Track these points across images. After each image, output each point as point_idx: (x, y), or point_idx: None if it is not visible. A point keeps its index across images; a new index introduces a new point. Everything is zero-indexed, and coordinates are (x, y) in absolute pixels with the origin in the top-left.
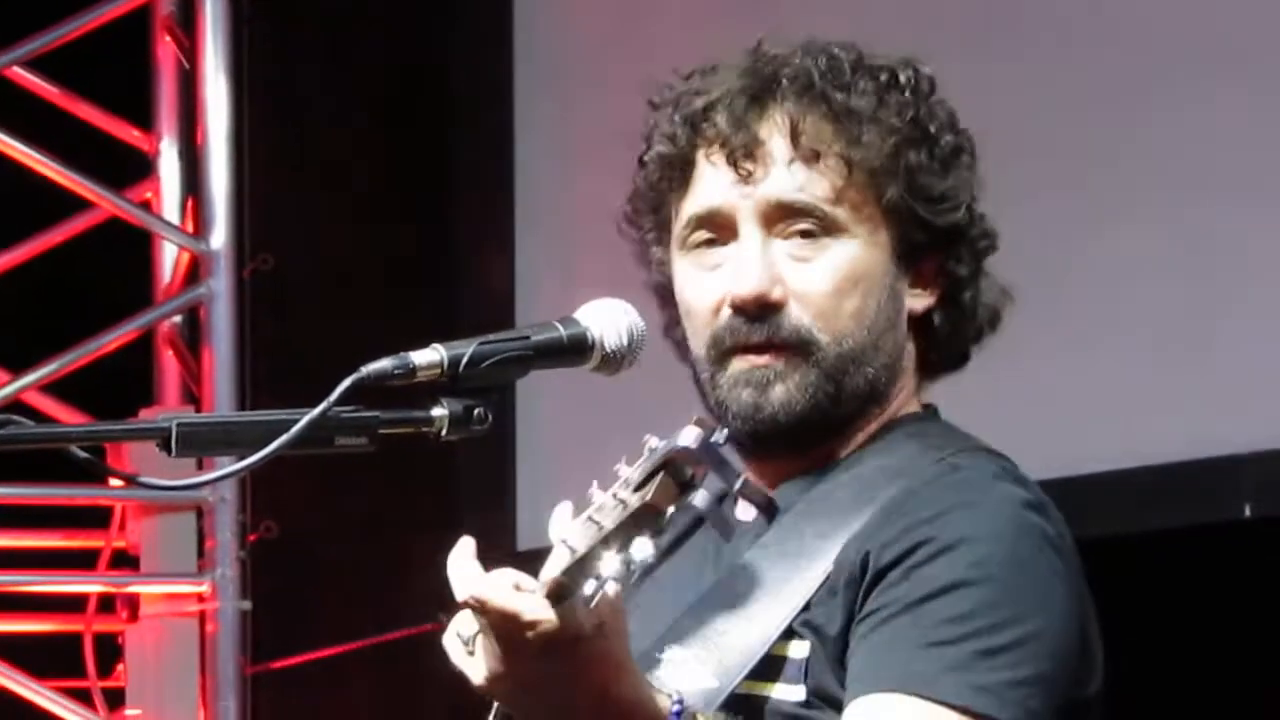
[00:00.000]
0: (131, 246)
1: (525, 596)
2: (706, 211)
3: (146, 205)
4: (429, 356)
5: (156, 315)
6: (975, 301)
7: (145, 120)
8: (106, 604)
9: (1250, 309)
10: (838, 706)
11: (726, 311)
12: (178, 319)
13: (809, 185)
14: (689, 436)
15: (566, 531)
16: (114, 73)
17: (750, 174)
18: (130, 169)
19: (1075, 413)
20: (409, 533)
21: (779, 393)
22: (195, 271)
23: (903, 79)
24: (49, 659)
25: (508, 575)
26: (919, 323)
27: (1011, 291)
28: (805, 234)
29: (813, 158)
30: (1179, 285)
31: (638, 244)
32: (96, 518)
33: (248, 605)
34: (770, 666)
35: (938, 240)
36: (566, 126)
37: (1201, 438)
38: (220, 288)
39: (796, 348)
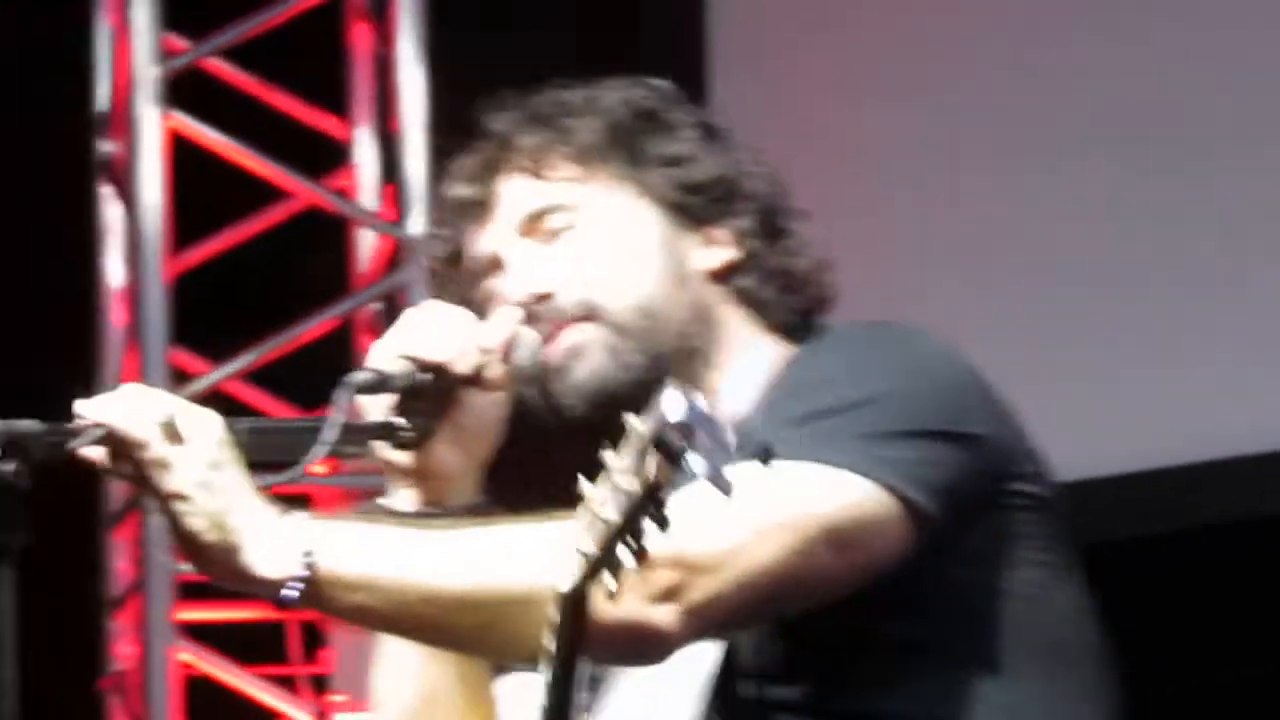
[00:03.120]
0: (329, 235)
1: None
2: (480, 263)
3: (344, 193)
4: (401, 367)
5: (356, 303)
6: (773, 251)
7: (341, 108)
8: None
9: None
10: None
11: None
12: (377, 306)
13: (544, 191)
14: (675, 409)
15: (576, 538)
16: (309, 61)
17: (493, 215)
18: (327, 157)
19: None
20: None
21: (583, 367)
22: (394, 258)
23: (614, 88)
24: (255, 647)
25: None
26: (728, 282)
27: (829, 260)
28: (558, 229)
29: (538, 163)
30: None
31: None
32: (300, 505)
33: None
34: None
35: (704, 199)
36: (766, 117)
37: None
38: (419, 274)
39: (582, 319)
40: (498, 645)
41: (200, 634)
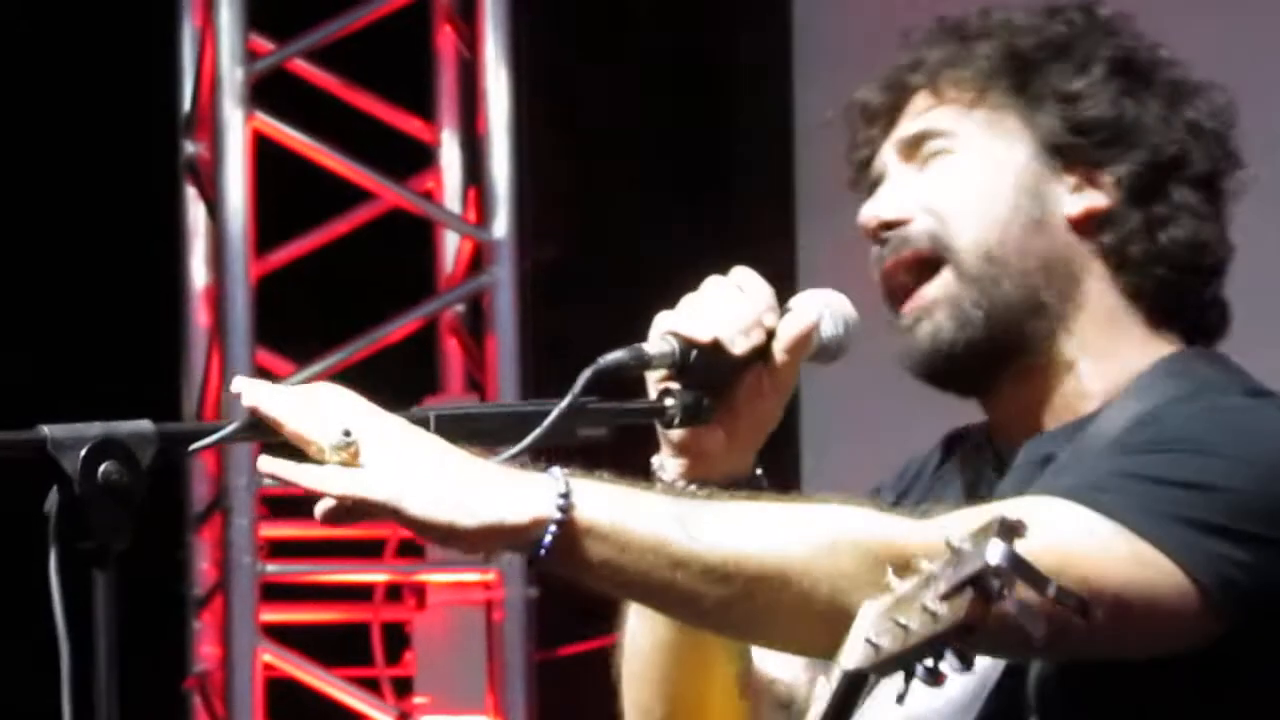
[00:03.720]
0: (414, 237)
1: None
2: (865, 170)
3: (429, 195)
4: (661, 347)
5: (440, 304)
6: (1146, 211)
7: (426, 111)
8: (394, 593)
9: None
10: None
11: (874, 248)
12: (461, 308)
13: (928, 108)
14: (996, 554)
15: (871, 626)
16: (395, 64)
17: (890, 126)
18: (412, 159)
19: None
20: None
21: (925, 328)
22: (478, 261)
23: (1066, 13)
24: (338, 648)
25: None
26: (1089, 232)
27: (1225, 228)
28: (933, 155)
29: (935, 81)
30: None
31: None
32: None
33: (535, 592)
34: None
35: (1089, 140)
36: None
37: None
38: (504, 276)
39: (928, 259)
40: (742, 623)
41: (283, 635)
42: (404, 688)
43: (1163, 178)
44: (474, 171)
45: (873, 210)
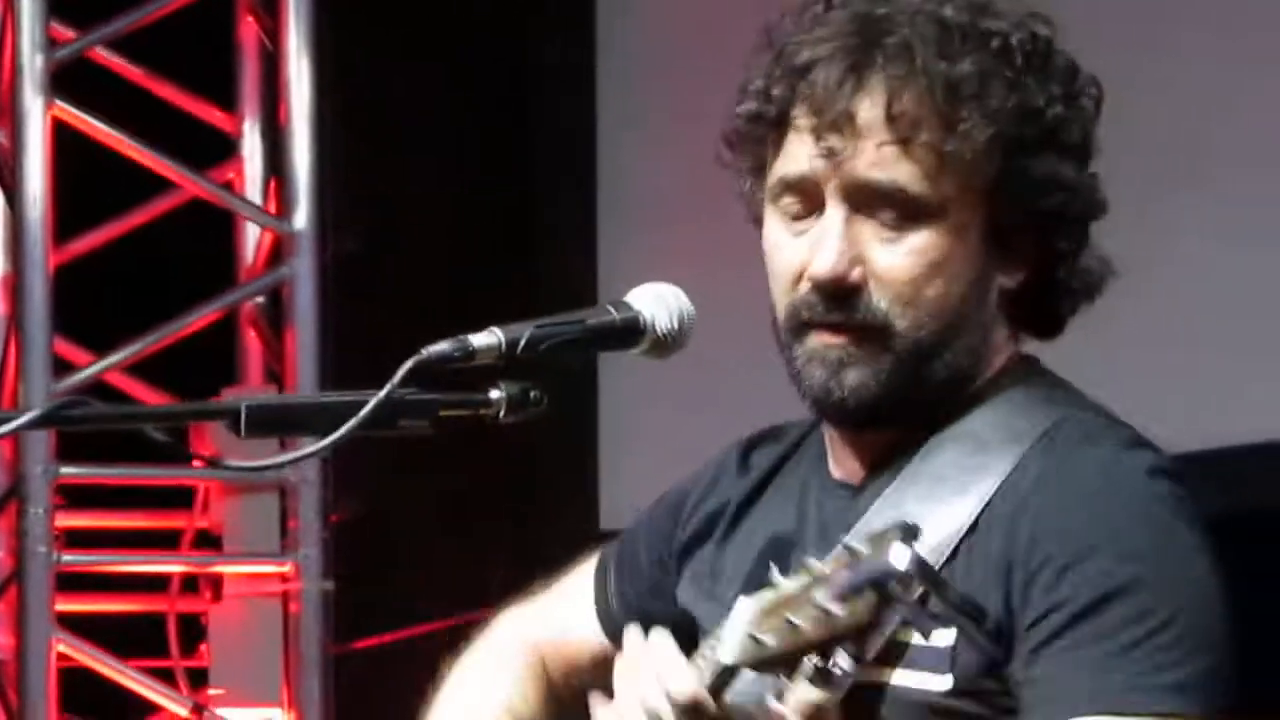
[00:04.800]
0: (214, 228)
1: None
2: (794, 179)
3: (229, 186)
4: (487, 340)
5: (239, 296)
6: (1071, 275)
7: (228, 101)
8: (190, 584)
9: None
10: (986, 701)
11: (806, 285)
12: (260, 300)
13: (898, 168)
14: (900, 559)
15: (749, 615)
16: (197, 54)
17: (837, 150)
18: (213, 150)
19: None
20: (491, 512)
21: (852, 377)
22: (278, 252)
23: (1014, 42)
24: (133, 639)
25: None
26: (1012, 294)
27: (1111, 262)
28: (892, 217)
29: (906, 139)
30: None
31: (735, 175)
32: (180, 498)
33: (331, 585)
34: (905, 654)
35: (1038, 219)
36: (649, 109)
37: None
38: (303, 268)
39: (873, 331)
40: None
41: (78, 625)
42: (199, 679)
43: (1082, 239)
44: (275, 163)
45: (831, 269)
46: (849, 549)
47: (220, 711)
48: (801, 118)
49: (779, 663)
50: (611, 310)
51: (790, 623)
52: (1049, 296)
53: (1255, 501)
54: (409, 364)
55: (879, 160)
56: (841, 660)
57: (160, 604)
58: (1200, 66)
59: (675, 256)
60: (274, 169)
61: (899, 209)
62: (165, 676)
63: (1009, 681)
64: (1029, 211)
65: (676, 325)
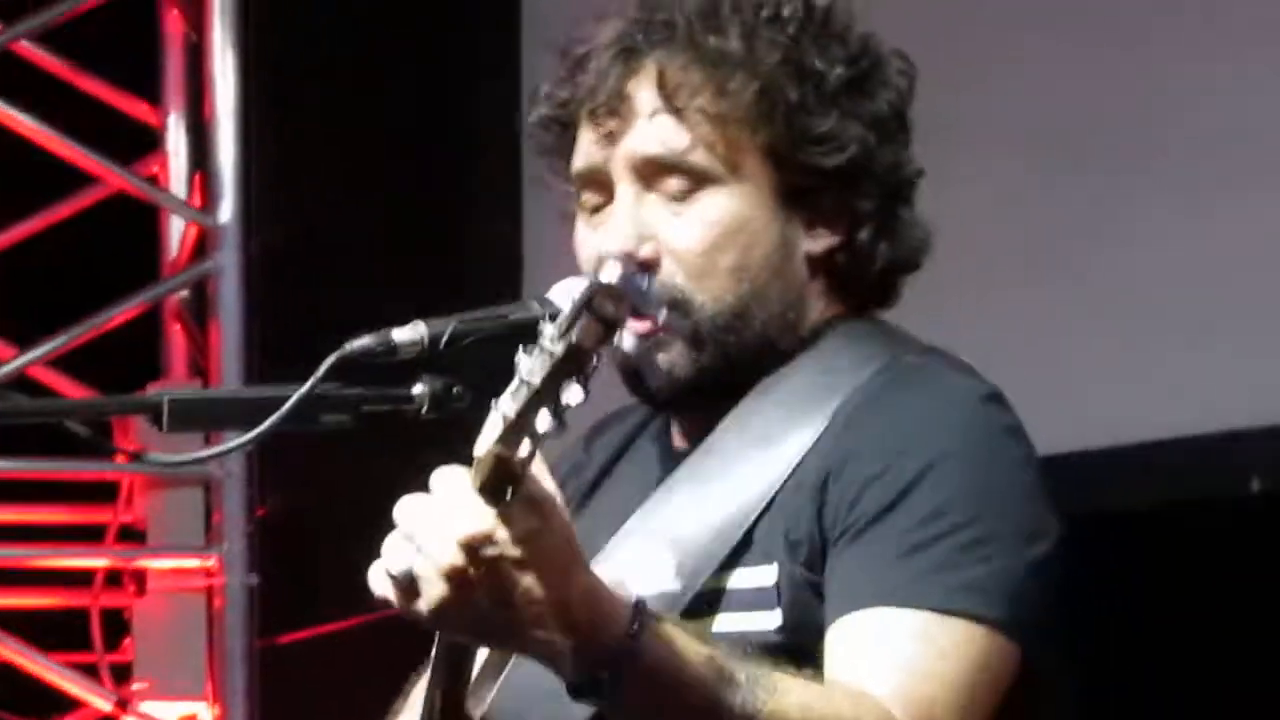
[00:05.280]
0: (139, 221)
1: (451, 512)
2: (584, 171)
3: (154, 179)
4: (410, 334)
5: (164, 289)
6: (879, 239)
7: (153, 94)
8: (114, 579)
9: (1258, 280)
10: (818, 632)
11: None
12: (185, 294)
13: (675, 138)
14: (611, 272)
15: (499, 400)
16: (121, 47)
17: (613, 131)
18: (138, 143)
19: (1082, 387)
20: None
21: (662, 360)
22: (203, 246)
23: (786, 12)
24: (56, 633)
25: (444, 485)
26: (822, 260)
27: (931, 230)
28: (678, 187)
29: (679, 109)
30: (1187, 258)
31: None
32: (104, 493)
33: (255, 579)
34: (724, 597)
35: (831, 179)
36: None
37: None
38: (228, 262)
39: (674, 307)
40: None
41: (1, 620)
42: (123, 674)
43: (891, 202)
44: (200, 157)
45: (622, 246)
46: (568, 293)
47: (144, 706)
48: (582, 111)
49: (519, 427)
50: (535, 305)
51: (525, 382)
52: (862, 261)
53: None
54: (331, 359)
55: (655, 132)
56: (570, 394)
57: (84, 598)
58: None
59: None
60: (199, 163)
61: (683, 178)
62: (89, 671)
63: None
64: (818, 172)
65: None
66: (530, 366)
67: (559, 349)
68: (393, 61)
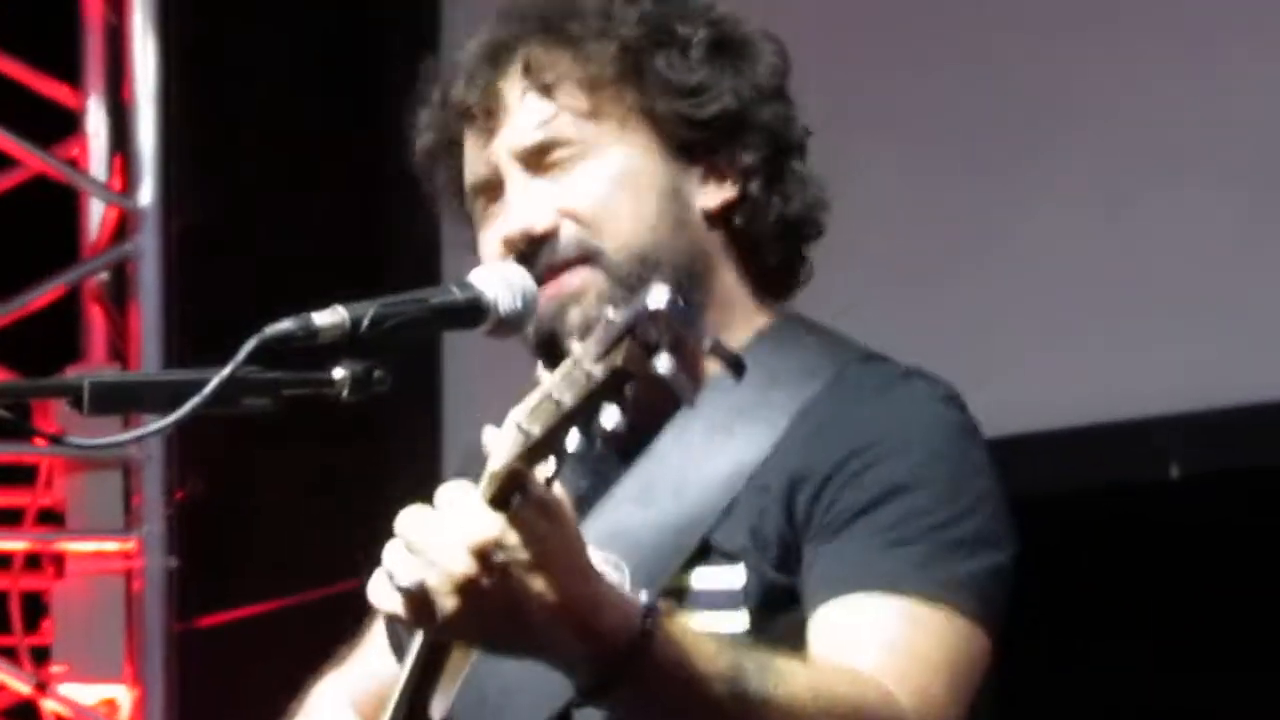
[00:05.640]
0: (58, 204)
1: (460, 521)
2: (474, 184)
3: (73, 162)
4: (330, 318)
5: (83, 272)
6: (770, 192)
7: (72, 77)
8: (33, 561)
9: (1174, 268)
10: (785, 634)
11: (506, 256)
12: (105, 276)
13: (549, 117)
14: (658, 298)
15: (517, 414)
16: (40, 28)
17: (491, 130)
18: (57, 125)
19: (1007, 371)
20: (341, 487)
21: (574, 315)
22: (123, 229)
23: None
24: None
25: (451, 500)
26: (718, 216)
27: (826, 190)
28: (561, 157)
29: (547, 85)
30: (1105, 249)
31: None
32: (22, 475)
33: (175, 562)
34: (690, 596)
35: (712, 134)
36: None
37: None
38: (148, 244)
39: (579, 261)
40: None
41: None
42: (42, 656)
43: (780, 156)
44: (120, 139)
45: (519, 224)
46: (606, 319)
47: (63, 689)
48: (464, 125)
49: (546, 445)
50: (455, 290)
51: (554, 400)
52: (757, 215)
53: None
54: (251, 343)
55: (527, 117)
56: (612, 415)
57: (3, 581)
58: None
59: None
60: (119, 145)
61: (563, 148)
62: (8, 654)
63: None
64: (695, 123)
65: (520, 305)
66: (560, 385)
67: (598, 371)
68: (314, 42)
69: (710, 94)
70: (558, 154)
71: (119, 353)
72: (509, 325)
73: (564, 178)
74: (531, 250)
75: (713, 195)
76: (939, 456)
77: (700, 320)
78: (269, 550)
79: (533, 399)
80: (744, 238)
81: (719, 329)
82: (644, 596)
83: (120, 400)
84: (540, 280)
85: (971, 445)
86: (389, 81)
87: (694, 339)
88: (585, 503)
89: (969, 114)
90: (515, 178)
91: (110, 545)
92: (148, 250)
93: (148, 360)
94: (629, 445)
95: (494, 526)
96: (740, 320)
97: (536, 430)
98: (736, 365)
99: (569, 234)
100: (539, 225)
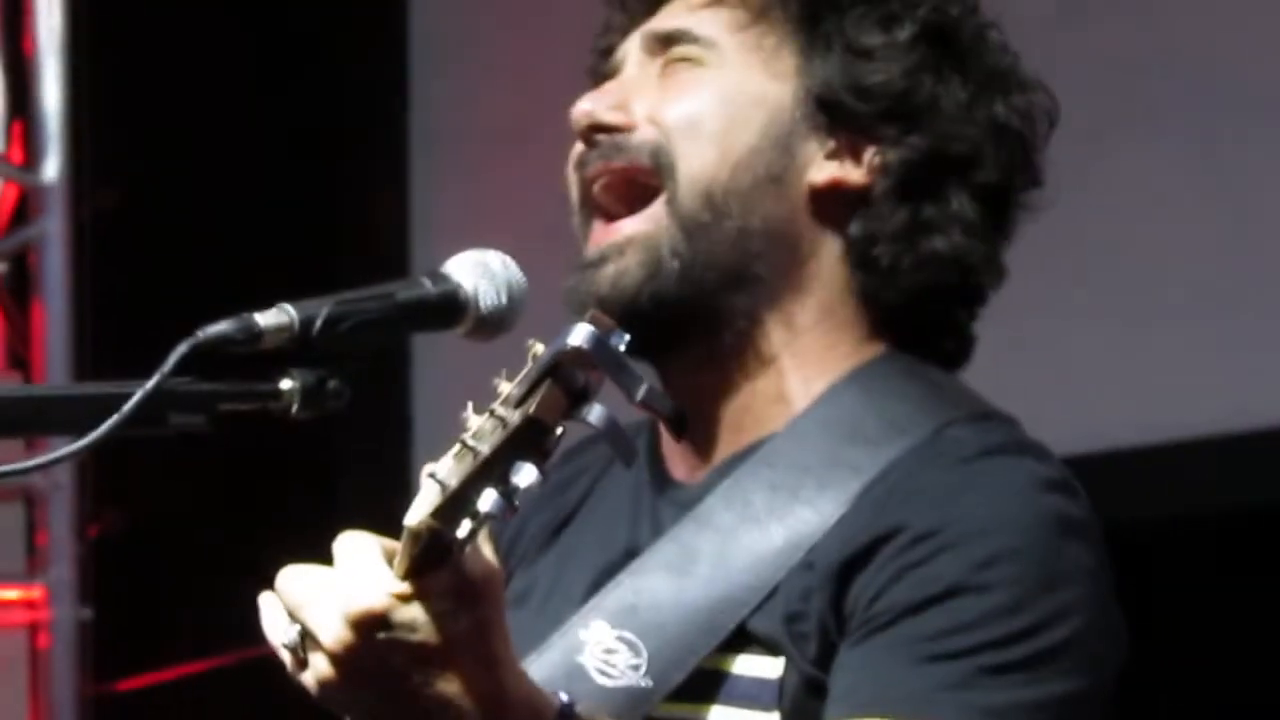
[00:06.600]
0: None
1: (345, 584)
2: (597, 64)
3: None
4: (276, 319)
5: None
6: (899, 205)
7: None
8: None
9: None
10: None
11: (578, 147)
12: (3, 267)
13: (699, 16)
14: (580, 335)
15: (436, 465)
16: None
17: (648, 11)
18: None
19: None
20: (285, 523)
21: (608, 271)
22: (24, 210)
23: None
24: None
25: (350, 555)
26: (827, 201)
27: (1002, 262)
28: (681, 61)
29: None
30: (1219, 258)
31: None
32: None
33: (88, 613)
34: (720, 684)
35: (865, 106)
36: (468, 44)
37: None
38: (53, 228)
39: (643, 179)
40: None
41: None
42: None
43: (941, 176)
44: (20, 102)
45: (590, 105)
46: (533, 354)
47: None
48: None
49: (461, 501)
50: (426, 283)
51: (471, 449)
52: (869, 221)
53: None
54: (182, 348)
55: (681, 12)
56: (523, 475)
57: None
58: None
59: (501, 211)
60: (18, 110)
61: (689, 52)
62: None
63: None
64: (850, 87)
65: (504, 300)
66: (478, 429)
67: (514, 419)
68: (251, 20)
69: (885, 63)
70: (682, 49)
71: (20, 360)
72: (491, 325)
73: (674, 78)
74: (597, 140)
75: (829, 170)
76: (1016, 555)
77: (632, 364)
78: (201, 598)
79: (454, 446)
80: (860, 248)
81: (812, 353)
82: (562, 697)
83: (22, 420)
84: (589, 197)
85: (1068, 544)
86: (340, 38)
87: (624, 385)
88: (621, 533)
89: None
90: (633, 62)
91: (10, 594)
92: (53, 235)
93: (53, 369)
94: (689, 465)
95: (379, 599)
96: (832, 346)
97: (453, 483)
98: (677, 421)
99: (644, 137)
100: (611, 117)
